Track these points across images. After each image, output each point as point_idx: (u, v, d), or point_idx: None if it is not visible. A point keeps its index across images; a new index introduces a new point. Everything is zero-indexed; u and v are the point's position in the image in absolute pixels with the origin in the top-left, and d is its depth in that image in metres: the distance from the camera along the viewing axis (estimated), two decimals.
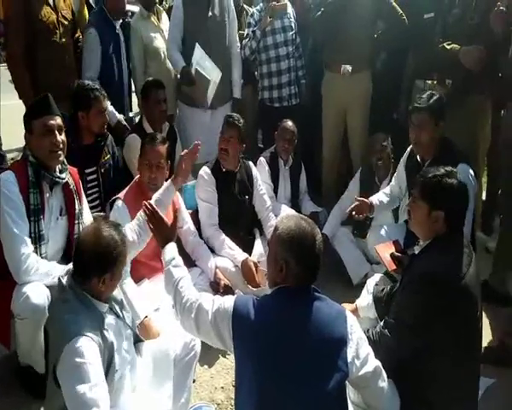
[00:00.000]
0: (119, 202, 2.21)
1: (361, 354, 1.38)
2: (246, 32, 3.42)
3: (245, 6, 3.86)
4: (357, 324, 1.43)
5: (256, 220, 2.86)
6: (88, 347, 1.37)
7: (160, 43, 3.29)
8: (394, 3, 3.07)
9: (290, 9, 3.42)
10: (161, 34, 3.31)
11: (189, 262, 2.44)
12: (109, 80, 2.99)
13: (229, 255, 2.52)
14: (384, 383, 1.46)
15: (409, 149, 2.48)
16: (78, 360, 1.35)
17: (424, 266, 1.59)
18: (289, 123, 3.14)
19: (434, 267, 1.55)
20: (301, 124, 3.24)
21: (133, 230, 1.97)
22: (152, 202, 1.84)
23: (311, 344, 1.32)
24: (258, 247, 2.71)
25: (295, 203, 3.26)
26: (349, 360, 1.34)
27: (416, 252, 1.72)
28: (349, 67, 3.14)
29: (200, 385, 2.11)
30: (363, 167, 3.03)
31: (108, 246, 1.49)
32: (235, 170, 2.70)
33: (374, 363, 1.43)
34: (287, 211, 2.92)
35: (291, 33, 3.40)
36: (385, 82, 3.26)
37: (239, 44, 3.38)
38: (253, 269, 2.45)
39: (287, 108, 3.44)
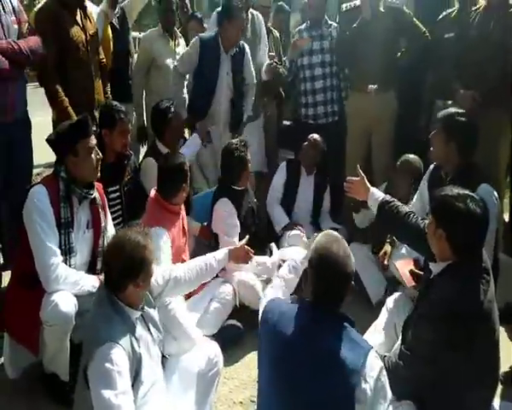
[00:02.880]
0: (160, 230, 2.17)
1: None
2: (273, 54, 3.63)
3: (272, 28, 3.96)
4: (377, 363, 1.35)
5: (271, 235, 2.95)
6: (118, 354, 1.42)
7: (168, 61, 3.43)
8: (416, 21, 3.14)
9: (334, 33, 3.52)
10: (173, 55, 3.45)
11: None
12: None
13: (260, 264, 2.60)
14: None
15: (431, 167, 2.48)
16: (107, 365, 1.39)
17: (439, 295, 1.55)
18: (315, 137, 3.23)
19: (450, 296, 1.52)
20: (336, 142, 3.31)
21: (185, 272, 1.97)
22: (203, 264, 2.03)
23: (322, 364, 1.32)
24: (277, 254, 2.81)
25: (316, 220, 3.31)
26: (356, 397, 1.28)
27: (432, 274, 1.69)
28: (374, 87, 3.19)
29: (219, 399, 2.12)
30: (388, 185, 3.00)
31: (135, 250, 1.54)
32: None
33: None
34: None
35: (329, 55, 3.49)
36: (405, 100, 3.30)
37: (254, 75, 3.37)
38: None
39: (321, 126, 3.52)
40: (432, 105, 3.24)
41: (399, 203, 1.99)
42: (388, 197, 2.03)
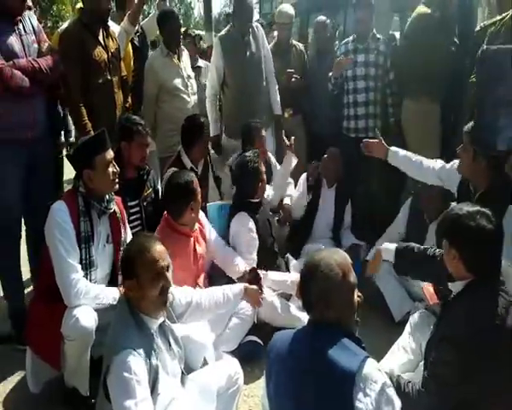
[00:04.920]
0: None
1: None
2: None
3: (294, 42, 3.96)
4: (379, 377, 1.29)
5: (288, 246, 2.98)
6: (136, 363, 1.43)
7: (177, 81, 3.38)
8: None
9: (382, 47, 3.43)
10: (180, 74, 3.41)
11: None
12: None
13: (280, 282, 2.59)
14: None
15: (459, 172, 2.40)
16: (126, 374, 1.40)
17: (457, 315, 1.52)
18: (333, 150, 3.21)
19: (467, 316, 1.48)
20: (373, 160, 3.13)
21: (204, 300, 2.00)
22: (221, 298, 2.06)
23: (313, 377, 1.30)
24: (295, 265, 2.84)
25: (336, 235, 3.28)
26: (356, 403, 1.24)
27: (453, 290, 1.65)
28: (428, 97, 3.13)
29: None
30: (413, 200, 2.95)
31: (155, 258, 1.56)
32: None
33: None
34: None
35: (373, 69, 3.42)
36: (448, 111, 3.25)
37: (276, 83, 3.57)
38: None
39: (362, 140, 3.41)
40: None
41: (414, 244, 1.98)
42: (402, 244, 2.02)
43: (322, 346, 1.32)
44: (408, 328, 1.98)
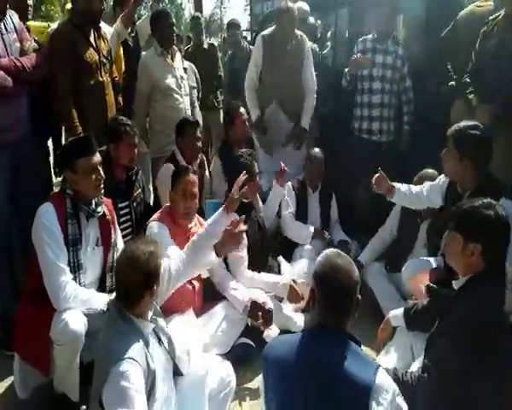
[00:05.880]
0: (154, 223, 2.26)
1: None
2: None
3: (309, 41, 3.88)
4: (390, 385, 1.31)
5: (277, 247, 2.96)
6: (134, 371, 1.40)
7: (170, 81, 3.37)
8: None
9: (401, 51, 3.34)
10: (173, 73, 3.41)
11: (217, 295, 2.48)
12: None
13: (272, 284, 2.57)
14: None
15: (446, 181, 2.41)
16: (124, 384, 1.38)
17: (465, 308, 1.52)
18: (317, 151, 3.21)
19: (476, 309, 1.48)
20: (386, 163, 3.01)
21: (179, 261, 2.01)
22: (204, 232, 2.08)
23: (328, 389, 1.27)
24: (286, 267, 2.82)
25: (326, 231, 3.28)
26: None
27: (456, 287, 1.65)
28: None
29: None
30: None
31: (149, 262, 1.55)
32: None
33: None
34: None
35: (390, 71, 3.33)
36: None
37: (315, 80, 3.54)
38: (298, 289, 2.55)
39: (375, 143, 3.40)
40: None
41: (418, 301, 1.99)
42: (407, 306, 2.03)
43: (331, 352, 1.30)
44: (399, 330, 1.98)
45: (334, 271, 1.35)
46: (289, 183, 3.25)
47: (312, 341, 1.35)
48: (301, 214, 3.25)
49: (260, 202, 3.05)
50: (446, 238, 1.69)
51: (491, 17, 2.92)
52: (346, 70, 3.41)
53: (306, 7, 4.00)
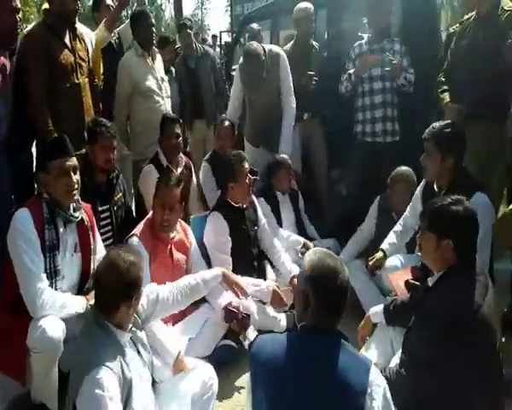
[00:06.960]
0: (135, 239, 2.22)
1: None
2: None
3: (314, 43, 3.78)
4: (381, 380, 1.32)
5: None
6: (108, 379, 1.38)
7: (151, 82, 3.36)
8: None
9: (397, 46, 3.24)
10: (153, 75, 3.40)
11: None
12: None
13: (254, 290, 2.54)
14: None
15: (423, 182, 2.46)
16: (98, 391, 1.35)
17: (438, 301, 1.56)
18: (281, 160, 3.19)
19: (448, 301, 1.52)
20: (392, 166, 3.00)
21: (172, 292, 1.98)
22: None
23: (325, 390, 1.27)
24: (271, 273, 2.82)
25: (301, 228, 3.31)
26: None
27: (430, 284, 1.68)
28: None
29: None
30: (381, 198, 2.99)
31: (130, 270, 1.53)
32: (246, 204, 2.76)
33: None
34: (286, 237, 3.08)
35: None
36: None
37: (293, 99, 3.42)
38: (282, 294, 2.56)
39: (380, 145, 3.32)
40: None
41: (398, 298, 2.03)
42: (387, 303, 2.05)
43: (325, 352, 1.30)
44: (379, 326, 2.00)
45: (329, 272, 1.34)
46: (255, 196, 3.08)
47: (305, 341, 1.35)
48: (277, 219, 3.17)
49: (259, 208, 2.97)
50: (420, 238, 1.73)
51: (466, 16, 2.99)
52: (351, 72, 3.28)
53: (308, 4, 3.76)
